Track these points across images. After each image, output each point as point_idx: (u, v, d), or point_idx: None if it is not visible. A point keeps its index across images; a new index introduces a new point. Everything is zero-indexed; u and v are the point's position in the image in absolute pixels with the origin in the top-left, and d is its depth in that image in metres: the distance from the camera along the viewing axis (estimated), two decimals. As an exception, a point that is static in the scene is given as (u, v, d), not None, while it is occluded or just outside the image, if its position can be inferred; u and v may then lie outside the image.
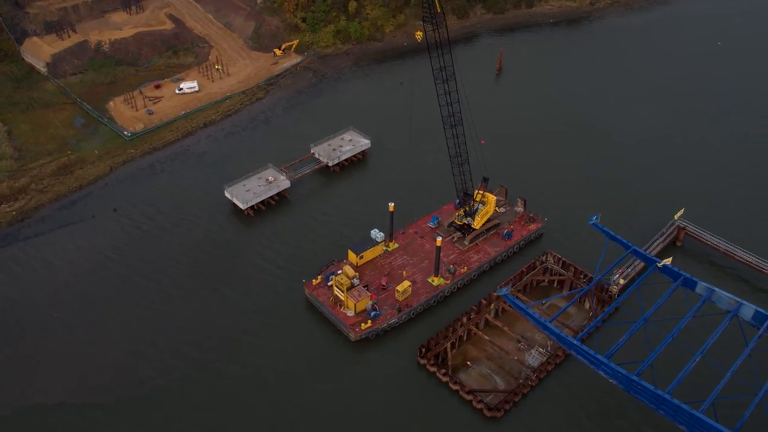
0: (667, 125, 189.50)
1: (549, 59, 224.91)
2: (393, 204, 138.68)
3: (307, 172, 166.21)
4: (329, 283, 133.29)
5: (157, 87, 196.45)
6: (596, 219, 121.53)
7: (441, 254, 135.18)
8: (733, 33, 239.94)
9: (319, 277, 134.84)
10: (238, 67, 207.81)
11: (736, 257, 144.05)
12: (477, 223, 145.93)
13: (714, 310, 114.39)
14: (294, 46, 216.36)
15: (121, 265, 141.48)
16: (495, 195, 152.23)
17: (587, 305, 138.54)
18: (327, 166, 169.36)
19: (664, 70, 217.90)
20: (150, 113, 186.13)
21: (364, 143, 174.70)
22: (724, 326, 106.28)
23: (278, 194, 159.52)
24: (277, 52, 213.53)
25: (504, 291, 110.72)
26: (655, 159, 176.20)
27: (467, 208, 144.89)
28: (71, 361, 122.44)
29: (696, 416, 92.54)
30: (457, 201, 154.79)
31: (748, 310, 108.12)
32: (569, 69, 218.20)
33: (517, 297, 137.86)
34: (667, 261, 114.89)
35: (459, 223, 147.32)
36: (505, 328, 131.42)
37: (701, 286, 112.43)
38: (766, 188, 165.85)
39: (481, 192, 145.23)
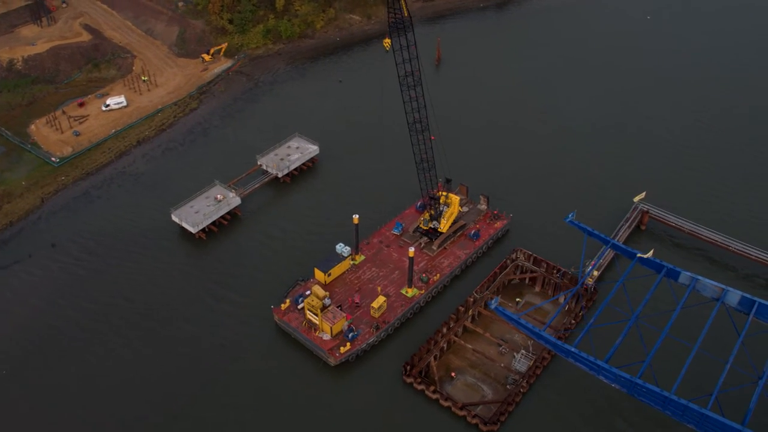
0: (614, 109, 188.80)
1: (486, 45, 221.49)
2: (357, 216, 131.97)
3: (256, 186, 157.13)
4: (299, 306, 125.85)
5: (81, 105, 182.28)
6: (572, 216, 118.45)
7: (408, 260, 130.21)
8: (660, 3, 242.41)
9: (287, 300, 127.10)
10: (166, 77, 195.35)
11: (701, 236, 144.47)
12: (444, 226, 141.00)
13: (697, 299, 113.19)
14: (223, 49, 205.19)
15: (68, 309, 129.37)
16: (457, 194, 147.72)
17: (561, 299, 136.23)
18: (277, 178, 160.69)
19: (600, 50, 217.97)
20: (77, 134, 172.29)
21: (312, 150, 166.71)
22: (714, 316, 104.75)
23: (229, 213, 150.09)
24: (206, 57, 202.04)
25: (494, 304, 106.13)
26: (608, 144, 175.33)
27: (432, 212, 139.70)
28: (28, 424, 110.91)
29: (706, 415, 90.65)
30: (418, 204, 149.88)
31: (734, 296, 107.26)
32: (507, 55, 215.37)
33: (492, 298, 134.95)
34: (649, 254, 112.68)
35: (425, 228, 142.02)
36: (486, 334, 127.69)
37: (685, 276, 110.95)
38: (720, 167, 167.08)
39: (444, 193, 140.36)
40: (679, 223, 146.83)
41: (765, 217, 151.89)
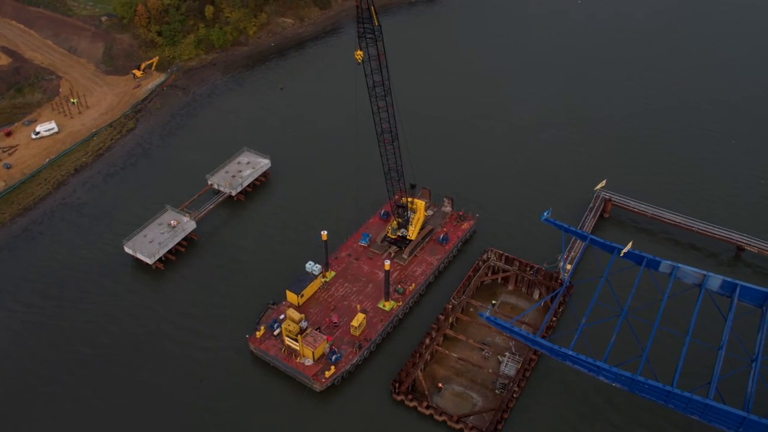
0: (561, 100, 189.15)
1: (422, 42, 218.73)
2: (326, 232, 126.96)
3: (210, 207, 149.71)
4: (276, 333, 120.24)
5: (8, 134, 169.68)
6: (547, 214, 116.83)
7: (381, 272, 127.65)
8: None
9: (261, 327, 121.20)
10: (97, 97, 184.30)
11: (663, 220, 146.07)
12: (412, 233, 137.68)
13: (679, 286, 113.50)
14: (154, 63, 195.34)
15: (25, 362, 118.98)
16: (420, 199, 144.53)
17: (536, 295, 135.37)
18: (230, 196, 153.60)
19: (538, 40, 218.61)
20: (8, 167, 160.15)
21: (264, 163, 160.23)
22: (700, 303, 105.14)
23: (185, 239, 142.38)
24: (137, 73, 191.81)
25: (486, 314, 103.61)
26: (561, 136, 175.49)
27: (400, 220, 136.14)
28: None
29: (709, 405, 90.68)
30: (382, 212, 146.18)
31: (716, 281, 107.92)
32: (446, 50, 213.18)
33: (469, 303, 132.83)
34: (627, 247, 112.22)
35: (393, 236, 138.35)
36: (470, 340, 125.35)
37: (665, 265, 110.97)
38: (672, 151, 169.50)
39: (410, 199, 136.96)
40: (642, 208, 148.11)
41: (720, 196, 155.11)
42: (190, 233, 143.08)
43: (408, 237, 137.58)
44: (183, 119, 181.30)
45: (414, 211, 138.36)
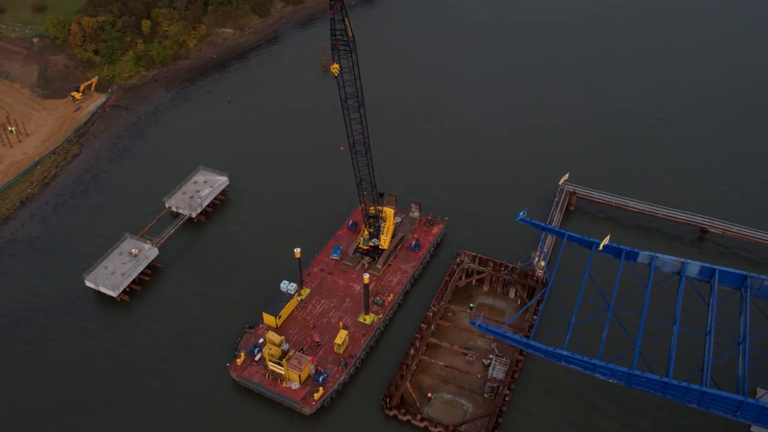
0: (512, 97, 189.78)
1: (366, 43, 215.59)
2: (299, 249, 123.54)
3: (172, 231, 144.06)
4: (257, 358, 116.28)
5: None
6: (523, 214, 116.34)
7: (357, 284, 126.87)
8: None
9: (242, 354, 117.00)
10: (36, 123, 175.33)
11: (628, 208, 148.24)
12: (385, 241, 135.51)
13: (657, 275, 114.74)
14: (93, 84, 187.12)
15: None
16: (388, 206, 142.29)
17: (512, 294, 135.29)
18: (191, 218, 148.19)
19: (481, 37, 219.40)
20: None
21: (221, 181, 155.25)
22: (682, 290, 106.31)
23: (149, 267, 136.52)
24: (76, 95, 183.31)
25: (478, 321, 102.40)
26: (517, 132, 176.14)
27: (372, 230, 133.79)
28: None
29: (707, 392, 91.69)
30: (350, 222, 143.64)
31: (694, 267, 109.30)
32: (391, 51, 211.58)
33: (448, 308, 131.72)
34: (605, 240, 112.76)
35: (365, 247, 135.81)
36: (454, 347, 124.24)
37: (644, 256, 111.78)
38: (628, 140, 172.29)
39: (380, 208, 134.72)
40: (606, 199, 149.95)
41: (678, 181, 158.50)
42: (153, 260, 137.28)
43: (381, 246, 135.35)
44: (130, 140, 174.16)
45: (384, 220, 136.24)
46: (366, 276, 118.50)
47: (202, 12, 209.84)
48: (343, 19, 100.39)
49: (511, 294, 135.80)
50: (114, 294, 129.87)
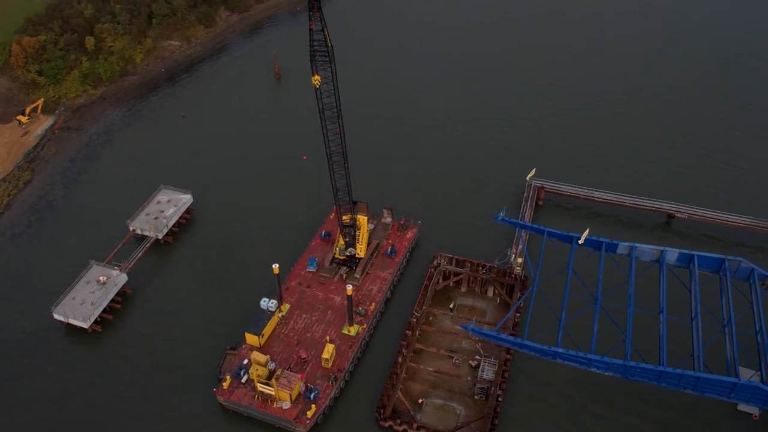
0: (470, 96, 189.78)
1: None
2: (277, 265, 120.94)
3: (139, 255, 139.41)
4: (243, 380, 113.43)
5: None
6: (503, 214, 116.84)
7: (337, 296, 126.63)
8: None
9: (227, 377, 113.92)
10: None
11: (595, 199, 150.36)
12: (361, 250, 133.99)
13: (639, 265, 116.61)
14: (40, 106, 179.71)
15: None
16: (360, 213, 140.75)
17: (491, 293, 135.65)
18: (157, 240, 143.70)
19: (430, 36, 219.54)
20: None
21: (185, 199, 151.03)
22: (665, 278, 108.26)
23: (119, 294, 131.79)
24: (22, 119, 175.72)
25: (471, 326, 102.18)
26: (478, 131, 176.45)
27: (347, 239, 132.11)
28: None
29: (702, 377, 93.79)
30: (323, 233, 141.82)
31: (672, 254, 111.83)
32: (342, 53, 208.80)
33: (429, 312, 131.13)
34: (585, 234, 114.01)
35: (341, 257, 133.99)
36: (441, 351, 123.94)
37: (623, 246, 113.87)
38: (588, 132, 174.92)
39: (354, 216, 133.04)
40: (573, 191, 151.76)
41: (640, 169, 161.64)
42: (122, 287, 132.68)
43: (357, 255, 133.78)
44: (84, 163, 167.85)
45: (358, 228, 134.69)
46: (349, 287, 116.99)
47: (146, 25, 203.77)
48: (323, 29, 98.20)
49: (490, 293, 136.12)
50: (86, 325, 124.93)
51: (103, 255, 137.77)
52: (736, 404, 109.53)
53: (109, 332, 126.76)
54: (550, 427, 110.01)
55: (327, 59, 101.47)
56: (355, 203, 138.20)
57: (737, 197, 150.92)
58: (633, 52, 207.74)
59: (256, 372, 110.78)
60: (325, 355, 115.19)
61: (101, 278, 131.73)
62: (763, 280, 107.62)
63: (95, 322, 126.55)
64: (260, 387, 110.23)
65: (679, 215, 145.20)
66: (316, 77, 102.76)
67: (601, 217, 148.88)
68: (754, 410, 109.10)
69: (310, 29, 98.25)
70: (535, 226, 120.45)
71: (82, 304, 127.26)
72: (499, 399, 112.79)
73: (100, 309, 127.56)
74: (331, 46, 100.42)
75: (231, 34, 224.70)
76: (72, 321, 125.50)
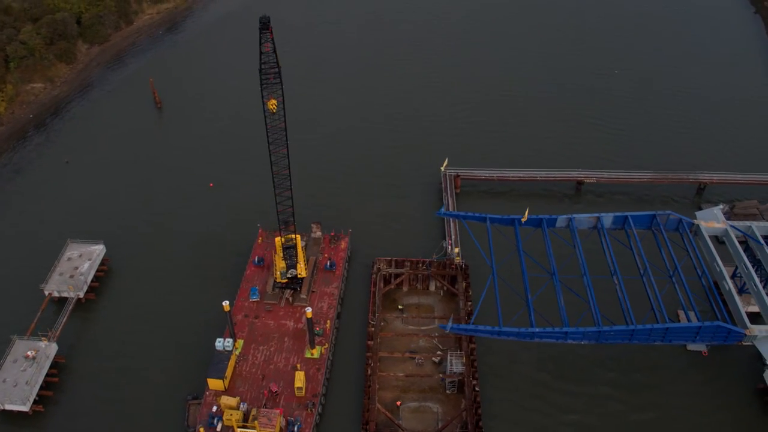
0: (373, 94, 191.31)
1: (192, 70, 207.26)
2: (227, 302, 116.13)
3: (64, 320, 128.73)
4: (218, 429, 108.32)
5: None
6: (444, 209, 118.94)
7: (288, 321, 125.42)
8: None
9: (201, 429, 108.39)
10: None
11: (509, 178, 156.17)
12: (302, 269, 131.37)
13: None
14: None
15: None
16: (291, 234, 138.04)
17: (433, 287, 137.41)
18: (79, 300, 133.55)
19: (322, 35, 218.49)
20: None
21: (98, 250, 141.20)
22: (608, 242, 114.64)
23: (52, 366, 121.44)
24: None
25: (449, 325, 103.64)
26: (385, 128, 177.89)
27: (288, 261, 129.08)
28: None
29: (670, 328, 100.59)
30: (255, 259, 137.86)
31: (608, 219, 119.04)
32: (218, 73, 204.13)
33: (382, 317, 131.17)
34: (526, 214, 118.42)
35: (283, 280, 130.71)
36: (405, 354, 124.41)
37: (561, 219, 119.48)
38: (491, 115, 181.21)
39: (291, 236, 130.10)
40: (488, 174, 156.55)
41: (542, 144, 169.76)
42: (54, 358, 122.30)
43: (299, 275, 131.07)
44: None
45: (294, 247, 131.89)
46: (309, 310, 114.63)
47: (4, 70, 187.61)
48: (274, 51, 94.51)
49: (432, 287, 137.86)
50: (26, 408, 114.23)
51: (23, 327, 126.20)
52: (686, 345, 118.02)
53: (53, 410, 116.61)
54: (531, 411, 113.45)
55: (278, 81, 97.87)
56: (287, 224, 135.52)
57: (634, 156, 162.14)
58: (509, 43, 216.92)
59: (233, 417, 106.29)
60: (298, 383, 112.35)
61: (29, 353, 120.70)
62: (690, 227, 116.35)
63: (35, 402, 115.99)
64: (240, 431, 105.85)
65: (588, 180, 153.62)
66: (272, 101, 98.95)
67: (518, 193, 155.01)
68: (701, 347, 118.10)
69: (261, 52, 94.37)
70: (477, 214, 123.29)
71: (16, 385, 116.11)
72: (476, 388, 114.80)
73: (37, 387, 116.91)
74: (280, 67, 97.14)
75: (96, 68, 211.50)
76: (9, 406, 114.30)
